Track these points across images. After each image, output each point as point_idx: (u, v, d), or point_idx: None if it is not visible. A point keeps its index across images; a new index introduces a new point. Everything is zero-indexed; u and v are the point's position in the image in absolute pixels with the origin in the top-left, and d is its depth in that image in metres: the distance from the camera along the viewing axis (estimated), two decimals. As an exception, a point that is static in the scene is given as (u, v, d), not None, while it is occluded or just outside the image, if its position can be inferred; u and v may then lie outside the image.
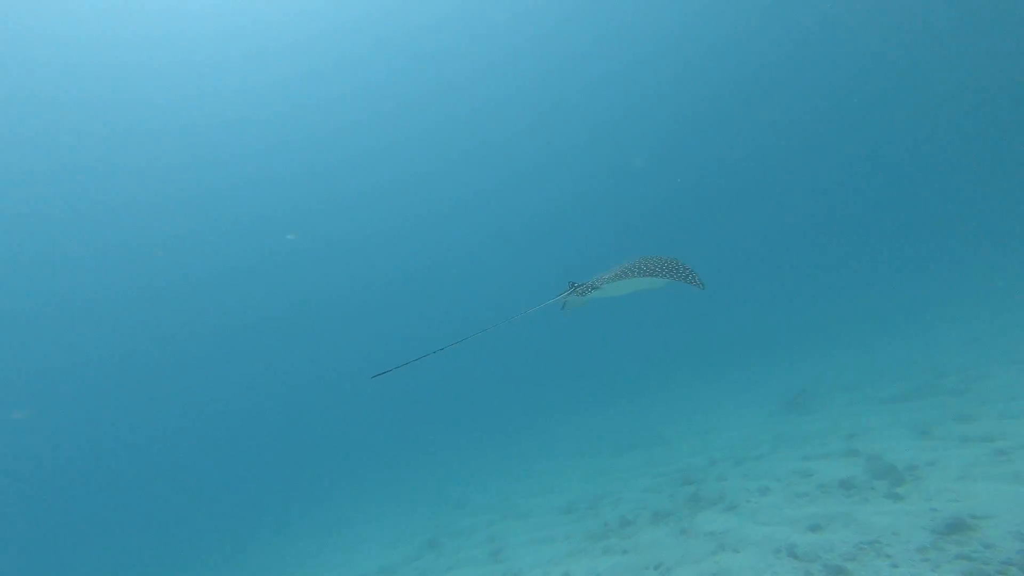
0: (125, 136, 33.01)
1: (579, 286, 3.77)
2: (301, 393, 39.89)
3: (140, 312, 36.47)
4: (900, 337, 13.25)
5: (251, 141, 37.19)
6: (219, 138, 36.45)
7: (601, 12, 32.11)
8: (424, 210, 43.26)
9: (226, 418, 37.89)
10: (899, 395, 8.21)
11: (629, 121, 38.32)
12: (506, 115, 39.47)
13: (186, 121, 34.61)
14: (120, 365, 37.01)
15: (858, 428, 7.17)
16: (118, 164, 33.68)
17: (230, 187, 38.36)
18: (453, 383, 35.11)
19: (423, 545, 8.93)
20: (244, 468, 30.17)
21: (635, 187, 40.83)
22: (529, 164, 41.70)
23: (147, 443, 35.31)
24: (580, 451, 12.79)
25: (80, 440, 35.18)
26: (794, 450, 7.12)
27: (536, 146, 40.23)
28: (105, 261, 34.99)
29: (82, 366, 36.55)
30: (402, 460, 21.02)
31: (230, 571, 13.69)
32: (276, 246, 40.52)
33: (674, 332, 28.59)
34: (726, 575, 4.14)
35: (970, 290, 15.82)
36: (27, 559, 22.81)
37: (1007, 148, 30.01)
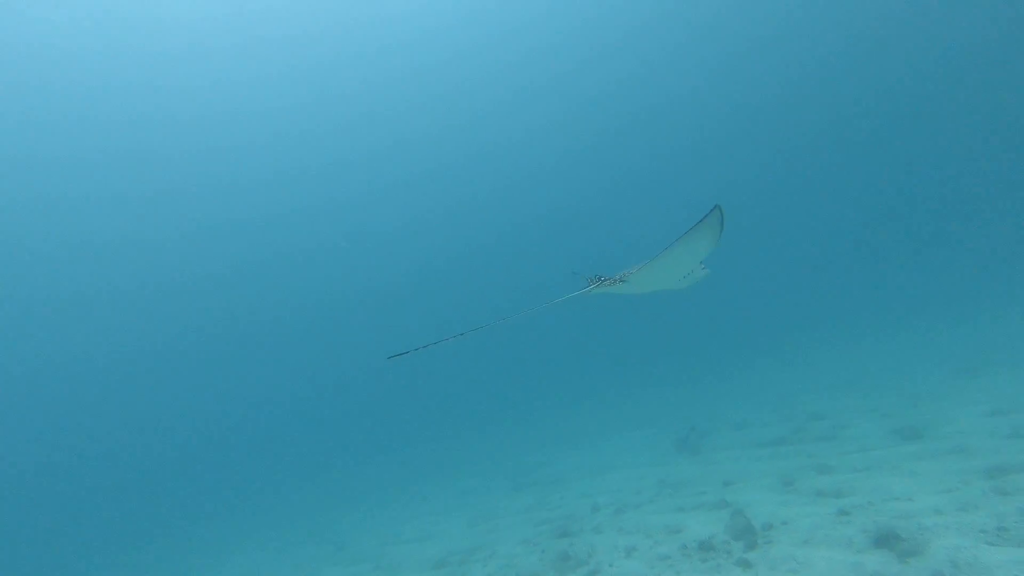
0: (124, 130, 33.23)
1: (605, 279, 3.83)
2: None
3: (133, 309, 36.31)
4: (790, 373, 14.39)
5: (252, 138, 37.59)
6: (218, 137, 36.65)
7: (620, 13, 33.03)
8: (426, 211, 43.68)
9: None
10: (777, 438, 8.67)
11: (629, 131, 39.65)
12: (520, 116, 40.41)
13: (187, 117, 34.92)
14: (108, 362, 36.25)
15: (734, 475, 7.39)
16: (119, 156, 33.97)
17: (228, 185, 38.93)
18: (360, 406, 33.96)
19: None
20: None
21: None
22: (543, 164, 42.62)
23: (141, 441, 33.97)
24: (473, 488, 12.30)
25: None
26: (673, 499, 7.17)
27: (548, 147, 41.30)
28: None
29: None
30: (282, 492, 19.25)
31: None
32: (277, 246, 40.80)
33: (591, 359, 29.47)
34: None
35: (860, 330, 17.72)
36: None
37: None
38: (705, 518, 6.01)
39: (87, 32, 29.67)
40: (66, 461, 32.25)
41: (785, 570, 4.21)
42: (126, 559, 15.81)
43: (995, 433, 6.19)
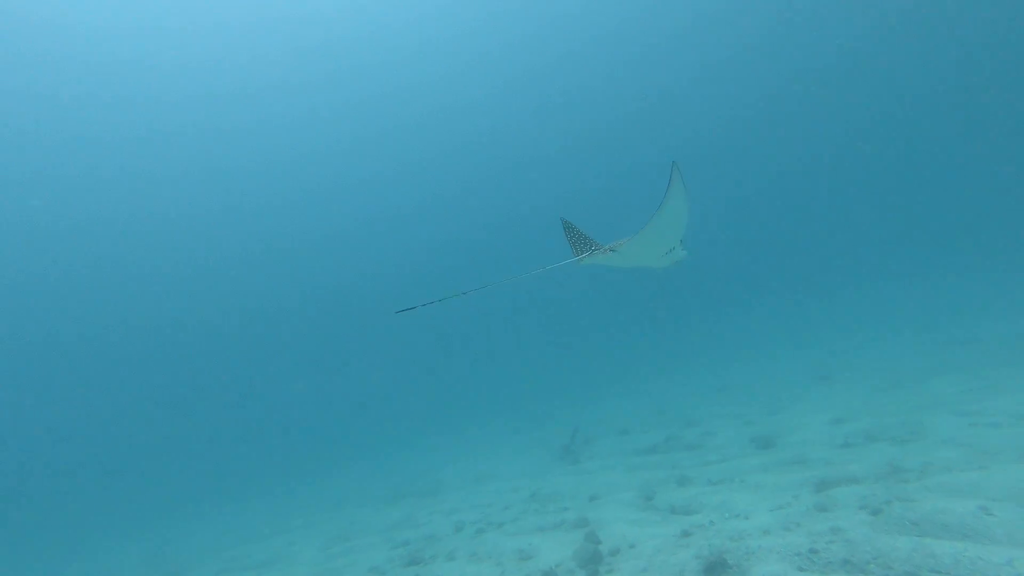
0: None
1: (596, 249, 4.00)
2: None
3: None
4: (674, 378, 15.18)
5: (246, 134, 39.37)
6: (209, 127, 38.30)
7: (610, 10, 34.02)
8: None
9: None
10: (650, 447, 8.87)
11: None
12: (508, 110, 42.58)
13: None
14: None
15: (603, 488, 7.36)
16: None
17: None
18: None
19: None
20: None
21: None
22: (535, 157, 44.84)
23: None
24: (347, 499, 11.43)
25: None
26: (538, 516, 6.96)
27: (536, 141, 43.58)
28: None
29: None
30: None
31: None
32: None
33: (487, 361, 29.68)
34: None
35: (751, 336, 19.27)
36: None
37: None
38: (560, 540, 5.81)
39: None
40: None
41: (614, 607, 4.02)
42: None
43: (831, 442, 6.68)
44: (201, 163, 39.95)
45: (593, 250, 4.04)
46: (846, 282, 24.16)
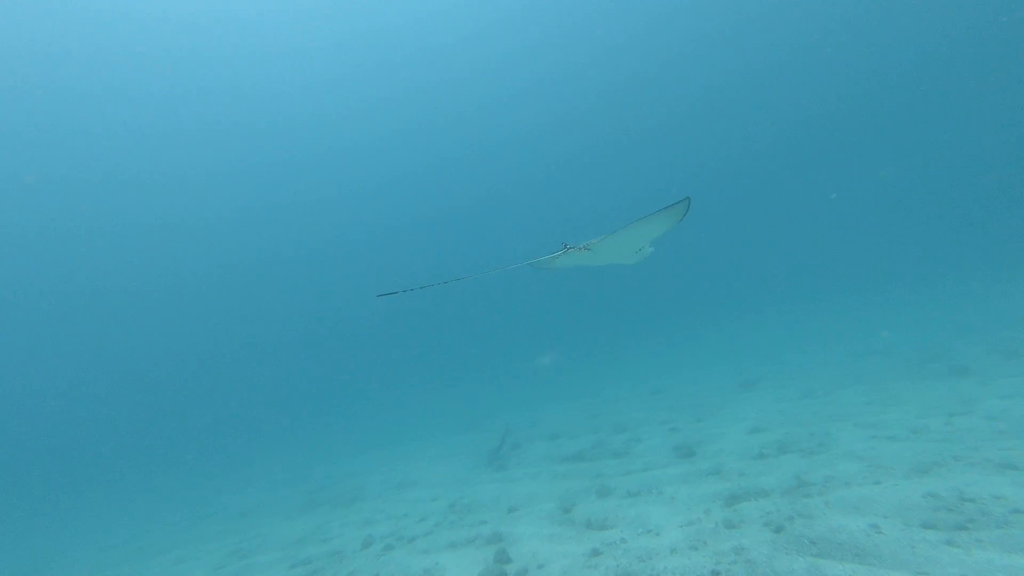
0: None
1: (571, 247, 4.11)
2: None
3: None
4: (613, 381, 15.37)
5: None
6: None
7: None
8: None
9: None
10: (577, 453, 8.80)
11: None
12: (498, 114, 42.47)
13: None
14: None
15: (523, 498, 7.16)
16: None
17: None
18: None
19: None
20: None
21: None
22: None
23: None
24: (258, 507, 10.62)
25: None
26: (453, 530, 6.65)
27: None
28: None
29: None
30: None
31: None
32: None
33: (424, 359, 29.34)
34: None
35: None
36: None
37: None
38: (470, 559, 5.53)
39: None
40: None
41: (509, 639, 3.77)
42: None
43: (747, 452, 6.83)
44: (191, 162, 39.48)
45: (568, 248, 4.17)
46: (774, 298, 25.67)
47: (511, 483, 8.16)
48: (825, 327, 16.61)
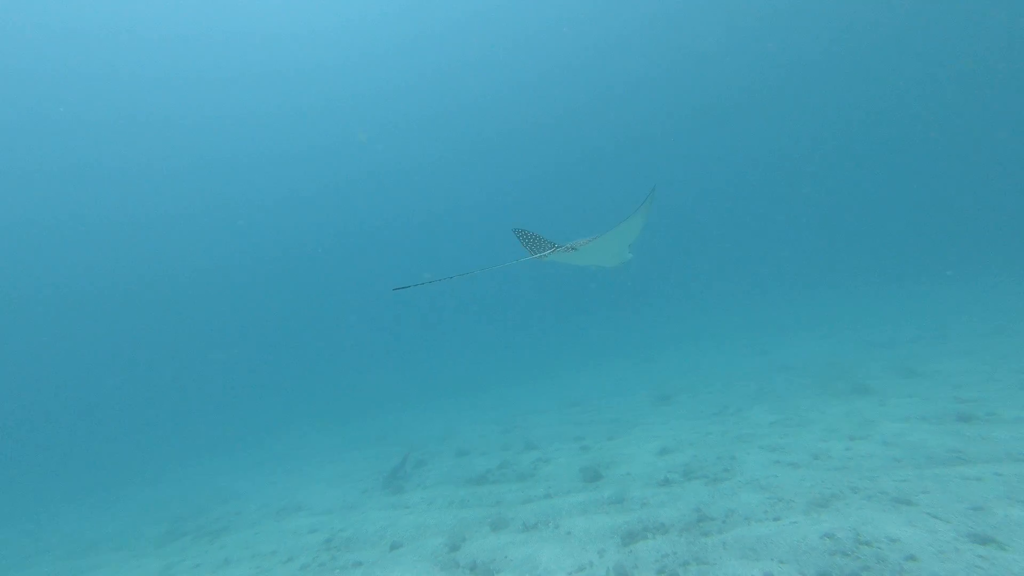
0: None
1: (558, 247, 4.30)
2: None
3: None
4: (533, 389, 14.92)
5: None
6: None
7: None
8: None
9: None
10: (481, 474, 8.14)
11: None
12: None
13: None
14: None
15: (410, 531, 6.38)
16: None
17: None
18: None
19: None
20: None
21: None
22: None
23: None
24: (110, 537, 9.04)
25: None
26: (318, 574, 5.71)
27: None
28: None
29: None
30: None
31: None
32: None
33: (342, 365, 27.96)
34: None
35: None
36: None
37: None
38: (324, 617, 4.65)
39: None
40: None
41: None
42: None
43: (652, 478, 6.46)
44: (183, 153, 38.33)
45: (556, 247, 4.26)
46: (696, 307, 26.54)
47: (404, 510, 7.33)
48: (748, 337, 17.16)
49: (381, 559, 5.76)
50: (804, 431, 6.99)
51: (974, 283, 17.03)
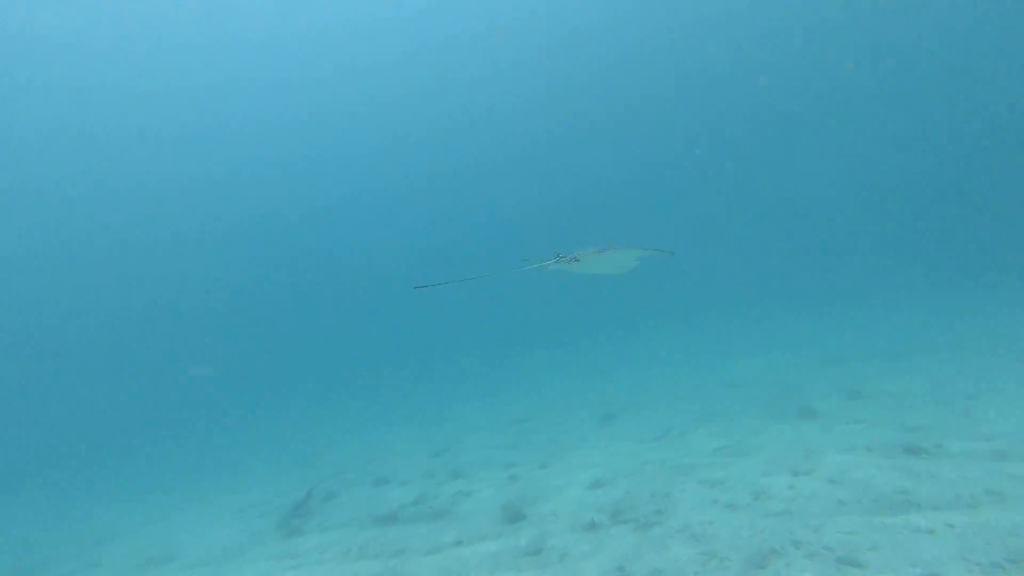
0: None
1: (563, 256, 4.50)
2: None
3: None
4: (478, 404, 14.03)
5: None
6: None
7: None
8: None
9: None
10: (392, 512, 7.18)
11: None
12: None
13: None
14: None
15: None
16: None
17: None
18: None
19: None
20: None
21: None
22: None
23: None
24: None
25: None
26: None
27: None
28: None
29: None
30: None
31: None
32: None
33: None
34: None
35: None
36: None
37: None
38: None
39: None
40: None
41: None
42: None
43: (578, 520, 5.70)
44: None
45: (559, 257, 4.49)
46: (652, 319, 26.25)
47: (290, 561, 6.26)
48: (701, 350, 16.87)
49: (239, 634, 4.70)
50: (746, 461, 6.41)
51: (930, 300, 17.33)
